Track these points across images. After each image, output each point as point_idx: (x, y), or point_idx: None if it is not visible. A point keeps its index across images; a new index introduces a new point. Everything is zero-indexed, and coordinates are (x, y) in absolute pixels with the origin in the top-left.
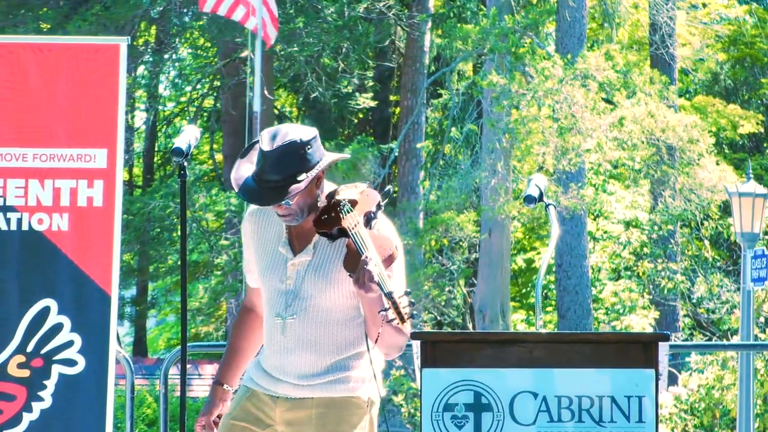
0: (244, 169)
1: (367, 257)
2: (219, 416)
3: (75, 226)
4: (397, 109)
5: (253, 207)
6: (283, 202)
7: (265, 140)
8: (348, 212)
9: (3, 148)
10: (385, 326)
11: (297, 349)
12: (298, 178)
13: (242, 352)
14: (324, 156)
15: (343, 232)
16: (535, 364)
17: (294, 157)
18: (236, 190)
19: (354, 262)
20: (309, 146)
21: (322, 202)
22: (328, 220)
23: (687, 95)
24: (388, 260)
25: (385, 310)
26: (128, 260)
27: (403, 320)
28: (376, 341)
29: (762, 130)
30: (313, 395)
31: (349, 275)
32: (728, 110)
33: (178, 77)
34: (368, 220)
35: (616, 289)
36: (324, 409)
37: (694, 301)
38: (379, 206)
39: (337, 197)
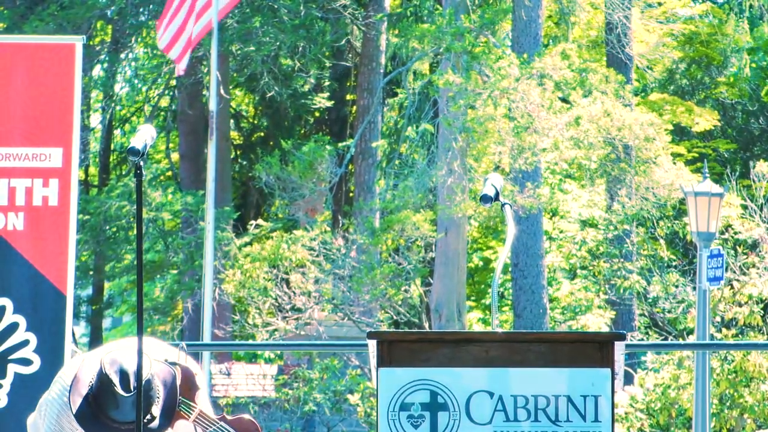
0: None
1: None
2: None
3: (30, 226)
4: (354, 109)
5: None
6: None
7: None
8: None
9: None
10: None
11: None
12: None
13: None
14: None
15: None
16: (491, 364)
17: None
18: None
19: None
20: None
21: None
22: None
23: (643, 94)
24: None
25: None
26: (84, 260)
27: None
28: None
29: (720, 121)
30: None
31: None
32: (685, 104)
33: (135, 77)
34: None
35: (572, 289)
36: None
37: (650, 300)
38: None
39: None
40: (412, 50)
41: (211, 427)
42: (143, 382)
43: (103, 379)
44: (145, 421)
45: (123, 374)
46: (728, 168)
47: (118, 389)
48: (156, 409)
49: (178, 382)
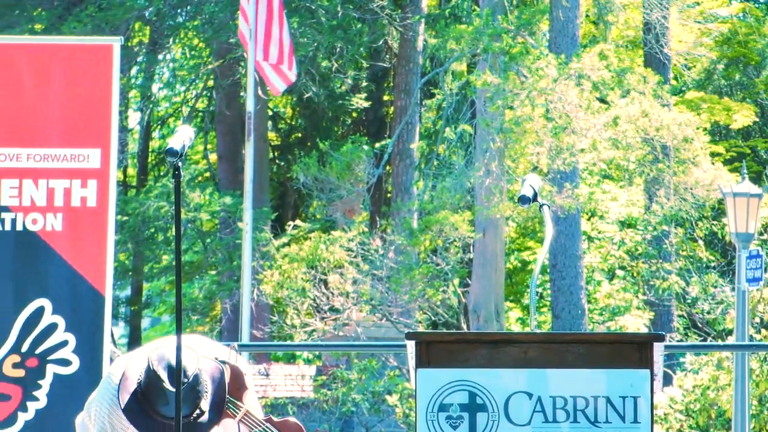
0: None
1: None
2: None
3: (69, 226)
4: (391, 109)
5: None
6: None
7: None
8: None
9: None
10: None
11: None
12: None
13: None
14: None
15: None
16: (529, 365)
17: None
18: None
19: None
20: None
21: None
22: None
23: (680, 94)
24: None
25: None
26: (123, 260)
27: None
28: None
29: (757, 124)
30: None
31: None
32: (723, 101)
33: (172, 77)
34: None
35: (611, 290)
36: None
37: (689, 301)
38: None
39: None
40: (449, 51)
41: (256, 427)
42: (191, 377)
43: (151, 375)
44: (195, 415)
45: (171, 370)
46: (767, 168)
47: (167, 384)
48: (205, 404)
49: (227, 380)
